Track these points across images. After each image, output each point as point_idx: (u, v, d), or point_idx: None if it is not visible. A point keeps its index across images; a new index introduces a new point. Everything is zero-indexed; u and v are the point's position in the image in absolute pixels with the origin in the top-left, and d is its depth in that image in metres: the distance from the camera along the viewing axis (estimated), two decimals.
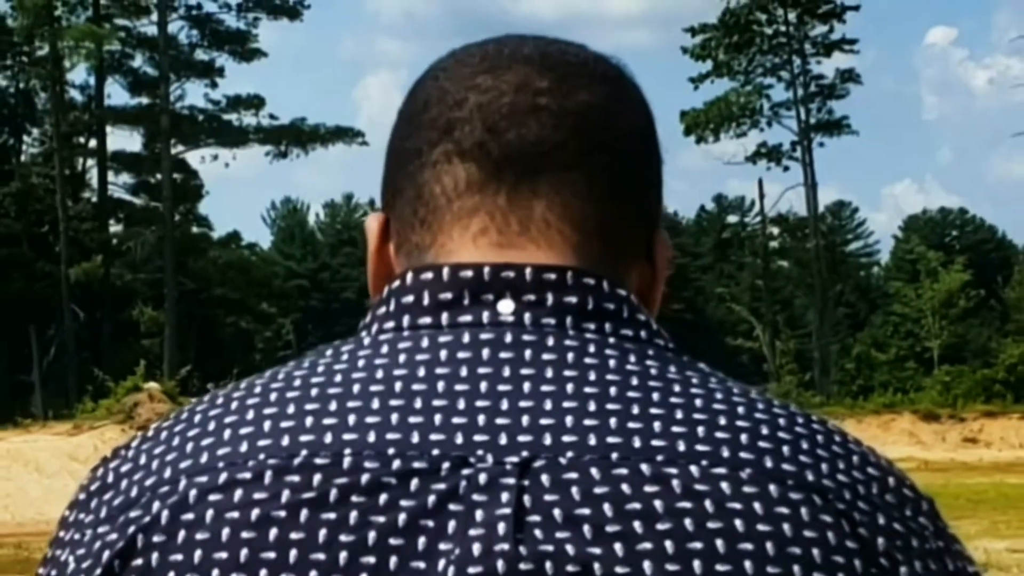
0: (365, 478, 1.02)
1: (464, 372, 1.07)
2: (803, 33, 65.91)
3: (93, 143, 65.78)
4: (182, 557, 1.02)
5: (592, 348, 1.09)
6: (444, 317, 1.10)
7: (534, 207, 1.14)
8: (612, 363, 1.09)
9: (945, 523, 1.13)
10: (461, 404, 1.05)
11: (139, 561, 1.03)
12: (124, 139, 79.10)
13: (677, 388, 1.09)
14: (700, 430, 1.06)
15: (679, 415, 1.06)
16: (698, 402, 1.08)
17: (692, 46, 65.03)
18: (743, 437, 1.06)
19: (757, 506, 1.03)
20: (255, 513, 1.02)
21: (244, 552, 1.01)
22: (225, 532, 1.02)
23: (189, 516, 1.03)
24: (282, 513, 1.02)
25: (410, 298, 1.12)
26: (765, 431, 1.08)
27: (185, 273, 61.97)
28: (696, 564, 1.00)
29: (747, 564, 1.01)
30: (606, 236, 1.17)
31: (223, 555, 1.01)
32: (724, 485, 1.03)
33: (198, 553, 1.02)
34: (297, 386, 1.10)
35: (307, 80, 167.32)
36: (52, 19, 59.50)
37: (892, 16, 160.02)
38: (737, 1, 64.98)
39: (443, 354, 1.08)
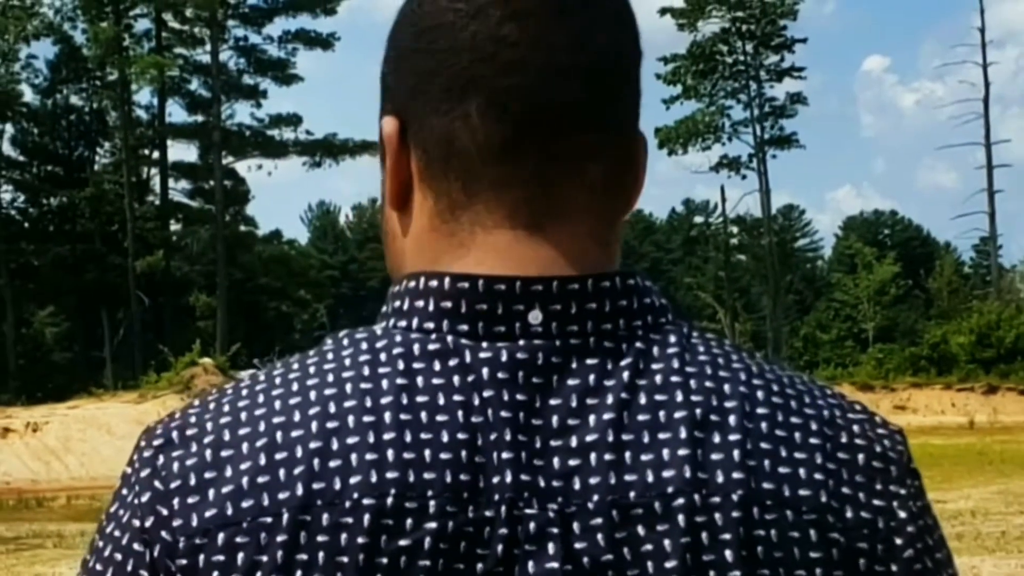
0: (450, 526, 0.95)
1: (506, 396, 0.98)
2: (759, 62, 65.98)
3: (156, 155, 65.76)
4: None
5: (609, 365, 1.01)
6: (480, 327, 1.01)
7: (556, 177, 1.04)
8: (626, 376, 1.00)
9: (915, 475, 1.06)
10: (508, 435, 0.97)
11: None
12: (182, 151, 79.07)
13: (680, 397, 1.00)
14: (699, 453, 0.98)
15: (683, 434, 0.98)
16: (698, 412, 1.00)
17: (664, 72, 65.08)
18: (735, 454, 0.98)
19: (741, 531, 0.96)
20: (361, 558, 0.94)
21: None
22: (338, 575, 0.95)
23: (303, 556, 0.95)
24: (384, 560, 0.94)
25: (448, 304, 1.02)
26: (749, 446, 0.99)
27: (234, 265, 61.87)
28: None
29: None
30: (611, 190, 1.08)
31: None
32: (718, 516, 0.96)
33: None
34: (369, 407, 0.99)
35: (338, 100, 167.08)
36: (121, 49, 59.51)
37: (834, 47, 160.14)
38: (703, 35, 65.18)
39: (485, 372, 0.99)
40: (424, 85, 1.06)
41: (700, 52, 65.06)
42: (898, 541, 1.01)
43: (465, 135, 1.04)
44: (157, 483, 1.01)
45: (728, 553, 0.96)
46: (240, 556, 0.96)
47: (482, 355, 1.00)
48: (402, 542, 0.95)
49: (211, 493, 0.98)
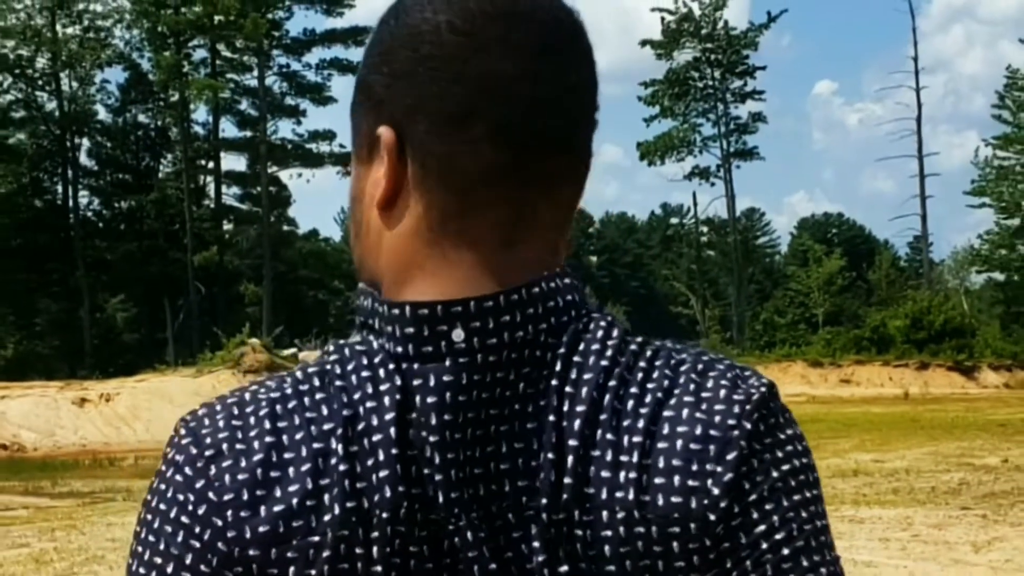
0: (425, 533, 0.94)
1: (434, 420, 0.95)
2: (725, 86, 65.81)
3: (211, 165, 65.65)
4: None
5: (512, 376, 0.97)
6: (411, 348, 0.97)
7: (534, 198, 1.01)
8: (521, 387, 0.97)
9: (741, 444, 0.97)
10: (437, 459, 0.94)
11: None
12: (234, 162, 78.67)
13: (553, 402, 0.96)
14: (560, 458, 0.95)
15: (554, 440, 0.95)
16: (558, 420, 0.96)
17: (645, 95, 65.07)
18: (569, 460, 0.95)
19: (565, 530, 0.94)
20: (388, 564, 0.94)
21: None
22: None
23: (344, 566, 0.94)
24: (397, 560, 0.94)
25: (390, 328, 0.98)
26: (582, 452, 0.95)
27: (278, 259, 61.86)
28: None
29: None
30: (573, 207, 1.07)
31: None
32: (563, 516, 0.94)
33: None
34: (376, 425, 0.95)
35: None
36: (181, 74, 59.53)
37: (790, 73, 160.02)
38: (678, 63, 65.08)
39: (418, 399, 0.96)
40: (425, 107, 1.00)
41: (675, 78, 64.96)
42: (711, 517, 0.95)
43: (467, 158, 0.98)
44: (211, 495, 0.95)
45: (561, 552, 0.94)
46: (291, 569, 0.93)
47: (415, 381, 0.96)
48: (412, 548, 0.93)
49: (263, 510, 0.94)
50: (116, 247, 63.29)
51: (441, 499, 0.93)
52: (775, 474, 0.97)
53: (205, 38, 60.87)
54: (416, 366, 0.96)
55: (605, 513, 0.94)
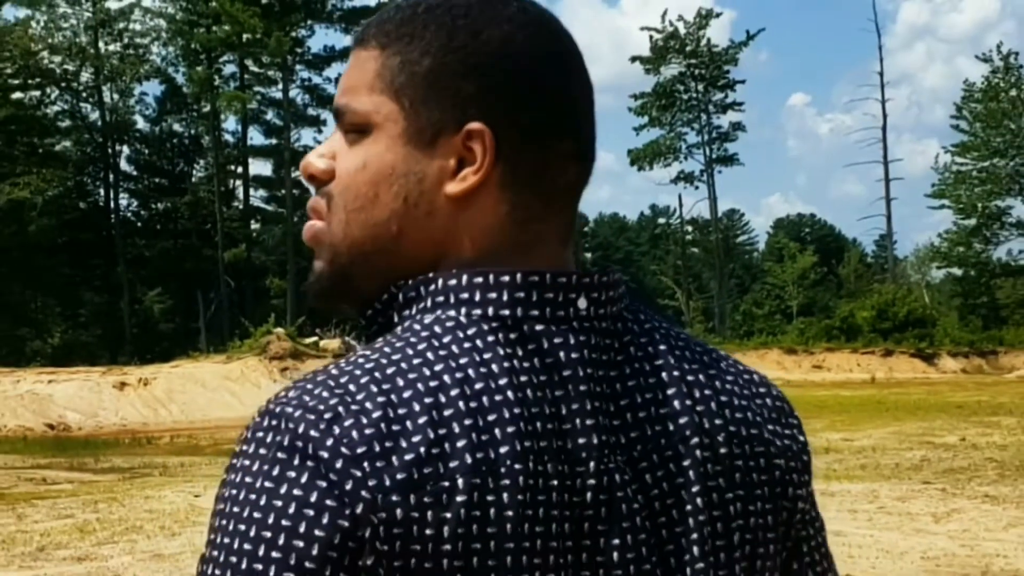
0: (556, 482, 0.95)
1: (581, 372, 0.97)
2: (708, 98, 65.73)
3: (240, 169, 65.64)
4: None
5: (617, 344, 1.01)
6: (548, 312, 0.97)
7: (576, 203, 1.06)
8: (632, 350, 1.02)
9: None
10: (588, 405, 0.96)
11: None
12: (260, 167, 78.45)
13: (671, 361, 1.03)
14: (695, 405, 1.01)
15: (684, 389, 1.02)
16: (682, 374, 1.03)
17: (635, 107, 65.02)
18: (712, 405, 1.03)
19: (727, 463, 1.02)
20: (520, 511, 0.93)
21: None
22: (507, 526, 0.94)
23: (477, 513, 0.92)
24: (530, 512, 0.93)
25: (522, 294, 0.97)
26: (717, 399, 1.04)
27: (301, 256, 61.63)
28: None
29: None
30: None
31: None
32: (722, 451, 1.01)
33: None
34: (494, 388, 0.94)
35: None
36: (212, 87, 59.53)
37: (767, 86, 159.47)
38: (665, 77, 65.01)
39: (562, 355, 0.97)
40: (521, 116, 0.99)
41: (662, 91, 64.88)
42: (804, 458, 1.09)
43: (556, 170, 1.01)
44: (344, 450, 0.90)
45: (721, 481, 1.00)
46: (429, 513, 0.89)
47: (556, 340, 0.97)
48: (540, 497, 0.92)
49: (395, 460, 0.90)
50: (153, 245, 63.36)
51: (596, 442, 0.95)
52: None
53: (234, 54, 60.82)
54: (553, 328, 0.97)
55: (748, 447, 1.02)
